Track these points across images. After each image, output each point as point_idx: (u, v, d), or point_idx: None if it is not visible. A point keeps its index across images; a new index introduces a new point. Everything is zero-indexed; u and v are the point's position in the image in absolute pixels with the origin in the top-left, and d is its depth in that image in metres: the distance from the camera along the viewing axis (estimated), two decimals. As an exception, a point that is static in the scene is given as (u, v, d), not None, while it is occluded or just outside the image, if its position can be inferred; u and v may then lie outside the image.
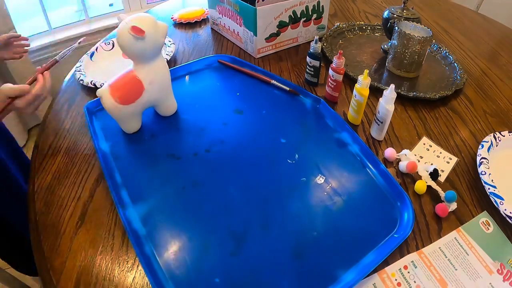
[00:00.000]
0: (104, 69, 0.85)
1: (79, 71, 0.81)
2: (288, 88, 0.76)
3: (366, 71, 0.64)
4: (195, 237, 0.51)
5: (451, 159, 0.63)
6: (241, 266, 0.47)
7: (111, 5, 2.06)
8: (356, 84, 0.66)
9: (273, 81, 0.79)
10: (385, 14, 0.88)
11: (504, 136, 0.67)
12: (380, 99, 0.63)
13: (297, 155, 0.63)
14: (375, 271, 0.47)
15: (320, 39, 0.83)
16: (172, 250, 0.49)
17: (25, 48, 0.85)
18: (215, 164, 0.61)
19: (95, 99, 0.71)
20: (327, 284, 0.46)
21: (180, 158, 0.62)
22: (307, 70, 0.79)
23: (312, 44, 0.75)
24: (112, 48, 0.92)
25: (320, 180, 0.59)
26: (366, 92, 0.65)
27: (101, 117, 0.70)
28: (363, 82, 0.64)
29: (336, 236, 0.51)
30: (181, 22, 1.06)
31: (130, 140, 0.66)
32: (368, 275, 0.47)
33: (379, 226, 0.52)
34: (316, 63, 0.76)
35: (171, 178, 0.59)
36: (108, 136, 0.66)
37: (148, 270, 0.45)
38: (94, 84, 0.77)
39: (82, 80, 0.78)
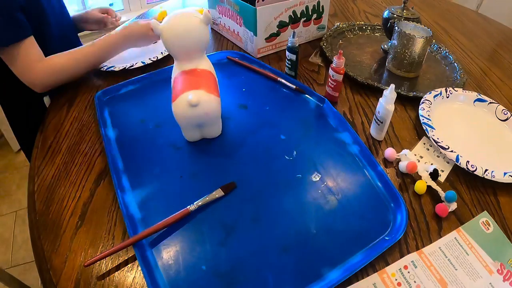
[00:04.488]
0: (122, 54, 0.87)
1: None
2: (294, 86, 0.77)
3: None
4: (187, 225, 0.52)
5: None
6: (229, 256, 0.48)
7: (111, 4, 2.06)
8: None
9: (279, 79, 0.79)
10: (385, 14, 0.88)
11: (456, 91, 0.76)
12: (380, 99, 0.63)
13: (295, 152, 0.63)
14: (368, 271, 0.48)
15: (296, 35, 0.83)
16: (163, 235, 0.50)
17: (117, 21, 0.98)
18: (214, 156, 0.63)
19: (104, 88, 0.75)
20: (310, 280, 0.46)
21: (180, 148, 0.64)
22: (286, 64, 0.81)
23: (290, 38, 0.76)
24: None
25: (315, 178, 0.59)
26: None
27: (109, 106, 0.73)
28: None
29: (326, 234, 0.51)
30: (181, 22, 1.06)
31: (134, 129, 0.68)
32: (368, 276, 0.47)
33: (371, 227, 0.52)
34: (293, 56, 0.78)
35: (170, 167, 0.60)
36: (114, 125, 0.69)
37: (139, 254, 0.47)
38: (109, 69, 0.81)
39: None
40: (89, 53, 0.78)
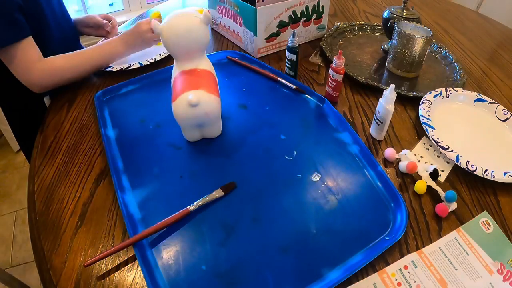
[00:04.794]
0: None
1: None
2: (294, 86, 0.77)
3: None
4: (187, 225, 0.52)
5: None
6: (229, 256, 0.48)
7: (111, 5, 2.07)
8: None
9: (279, 79, 0.79)
10: (385, 14, 0.88)
11: (456, 91, 0.76)
12: (380, 99, 0.63)
13: (295, 152, 0.63)
14: (368, 271, 0.48)
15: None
16: (164, 236, 0.50)
17: (114, 28, 0.97)
18: (214, 156, 0.63)
19: (105, 88, 0.75)
20: (311, 280, 0.46)
21: (180, 148, 0.64)
22: (286, 64, 0.81)
23: (290, 38, 0.76)
24: None
25: (315, 178, 0.59)
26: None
27: (109, 106, 0.73)
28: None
29: (326, 234, 0.51)
30: (181, 22, 1.06)
31: (134, 128, 0.68)
32: (368, 276, 0.47)
33: (371, 227, 0.52)
34: (293, 56, 0.78)
35: (170, 167, 0.60)
36: (114, 125, 0.69)
37: (139, 254, 0.47)
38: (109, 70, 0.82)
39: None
40: (89, 57, 0.78)
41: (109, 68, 0.81)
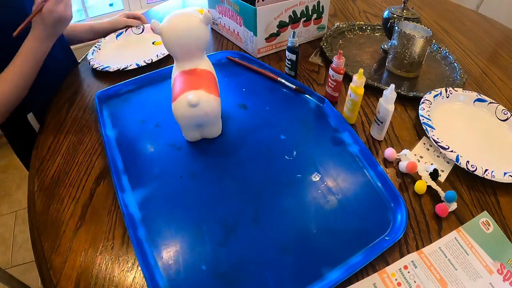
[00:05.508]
0: (123, 53, 0.91)
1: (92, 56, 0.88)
2: (294, 86, 0.77)
3: (361, 70, 0.64)
4: (187, 225, 0.52)
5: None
6: (229, 256, 0.48)
7: (111, 5, 2.06)
8: (351, 83, 0.66)
9: (279, 79, 0.79)
10: (385, 14, 0.88)
11: (457, 91, 0.76)
12: (380, 99, 0.63)
13: (295, 152, 0.63)
14: (368, 271, 0.48)
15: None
16: (164, 236, 0.51)
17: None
18: (214, 156, 0.63)
19: (105, 88, 0.75)
20: (311, 280, 0.46)
21: (180, 148, 0.64)
22: (286, 64, 0.81)
23: (290, 38, 0.76)
24: (141, 32, 0.98)
25: (315, 178, 0.59)
26: (361, 91, 0.65)
27: (109, 106, 0.73)
28: (358, 81, 0.64)
29: (326, 234, 0.51)
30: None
31: (134, 128, 0.68)
32: (368, 276, 0.47)
33: (372, 227, 0.52)
34: (293, 56, 0.78)
35: (170, 167, 0.60)
36: (114, 125, 0.69)
37: (139, 252, 0.47)
38: (105, 69, 0.82)
39: (94, 63, 0.84)
40: (19, 69, 0.67)
41: (107, 68, 0.81)
